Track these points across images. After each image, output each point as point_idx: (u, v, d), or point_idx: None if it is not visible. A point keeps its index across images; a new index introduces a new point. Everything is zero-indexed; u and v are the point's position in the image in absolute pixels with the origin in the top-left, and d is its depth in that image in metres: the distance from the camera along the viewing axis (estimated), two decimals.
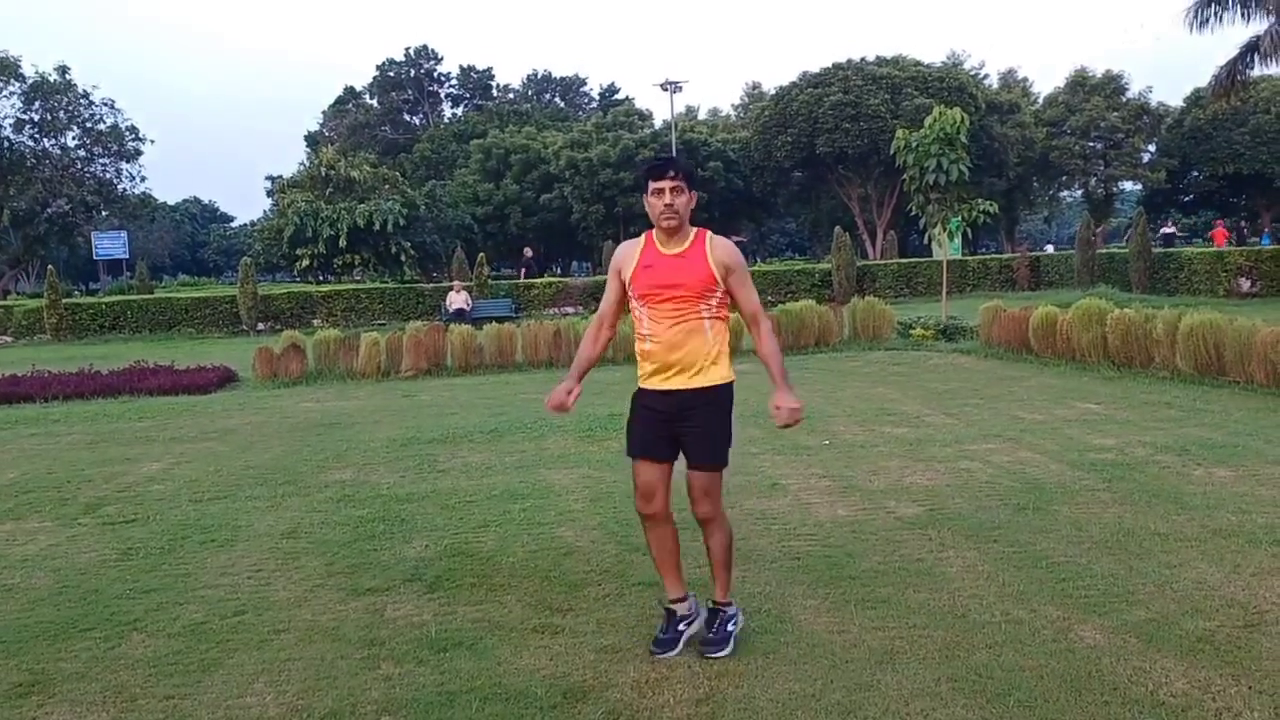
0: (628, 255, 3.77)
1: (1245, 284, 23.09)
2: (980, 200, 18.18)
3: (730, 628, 3.79)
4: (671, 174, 3.63)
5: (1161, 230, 43.48)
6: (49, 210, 49.86)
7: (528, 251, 35.21)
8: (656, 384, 3.73)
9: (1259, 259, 23.81)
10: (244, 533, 5.79)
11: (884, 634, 3.85)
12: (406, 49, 71.69)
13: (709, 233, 3.76)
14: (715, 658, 3.67)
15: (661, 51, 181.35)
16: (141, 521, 6.16)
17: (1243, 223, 54.66)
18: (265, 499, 6.65)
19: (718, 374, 3.70)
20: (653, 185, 3.65)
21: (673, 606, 3.83)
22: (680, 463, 3.79)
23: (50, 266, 28.66)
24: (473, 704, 3.40)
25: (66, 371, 14.69)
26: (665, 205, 3.62)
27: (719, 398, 3.72)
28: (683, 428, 3.70)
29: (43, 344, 25.52)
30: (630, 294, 3.75)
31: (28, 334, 26.69)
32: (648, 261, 3.69)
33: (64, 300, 27.59)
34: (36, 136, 50.77)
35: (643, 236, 3.79)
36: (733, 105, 72.59)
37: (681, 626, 3.80)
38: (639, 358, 3.80)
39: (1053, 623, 3.89)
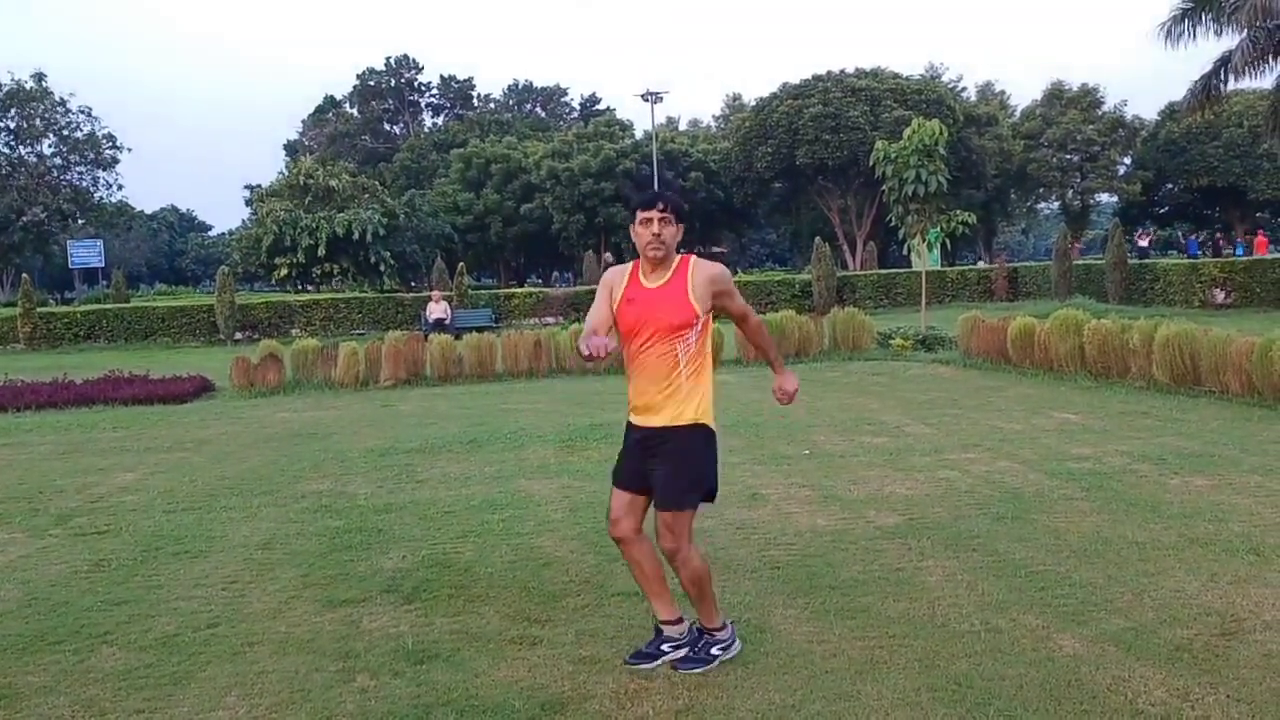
0: (617, 281, 3.75)
1: (1220, 295, 23.35)
2: (959, 211, 18.30)
3: (715, 651, 3.71)
4: (661, 206, 3.64)
5: (1136, 243, 43.88)
6: (24, 218, 49.45)
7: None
8: (634, 418, 3.75)
9: (1233, 270, 24.09)
10: (218, 544, 5.72)
11: (864, 643, 3.83)
12: (387, 58, 71.61)
13: (692, 259, 3.74)
14: (687, 672, 3.61)
15: (643, 62, 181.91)
16: (114, 533, 6.07)
17: (1218, 235, 55.23)
18: (240, 510, 6.58)
19: (689, 414, 3.62)
20: (641, 215, 3.65)
21: (663, 626, 3.78)
22: None
23: (25, 275, 28.36)
24: (449, 716, 3.36)
25: (40, 381, 14.52)
26: (653, 235, 3.62)
27: (688, 440, 3.63)
28: (651, 464, 3.66)
29: (16, 353, 25.24)
30: (615, 326, 3.73)
31: (1, 343, 26.39)
32: (630, 295, 3.68)
33: (38, 309, 27.33)
34: (12, 144, 50.45)
35: (631, 265, 3.78)
36: (713, 116, 72.94)
37: (665, 647, 3.74)
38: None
39: (1032, 631, 3.89)
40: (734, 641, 3.79)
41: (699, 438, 3.66)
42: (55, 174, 51.94)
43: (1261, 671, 3.45)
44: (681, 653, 3.73)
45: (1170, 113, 49.51)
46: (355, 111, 71.57)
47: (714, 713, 3.32)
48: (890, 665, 3.62)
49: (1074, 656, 3.63)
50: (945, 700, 3.32)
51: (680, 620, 3.79)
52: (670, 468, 3.61)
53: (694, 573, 3.67)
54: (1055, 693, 3.34)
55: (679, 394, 3.64)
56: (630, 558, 3.76)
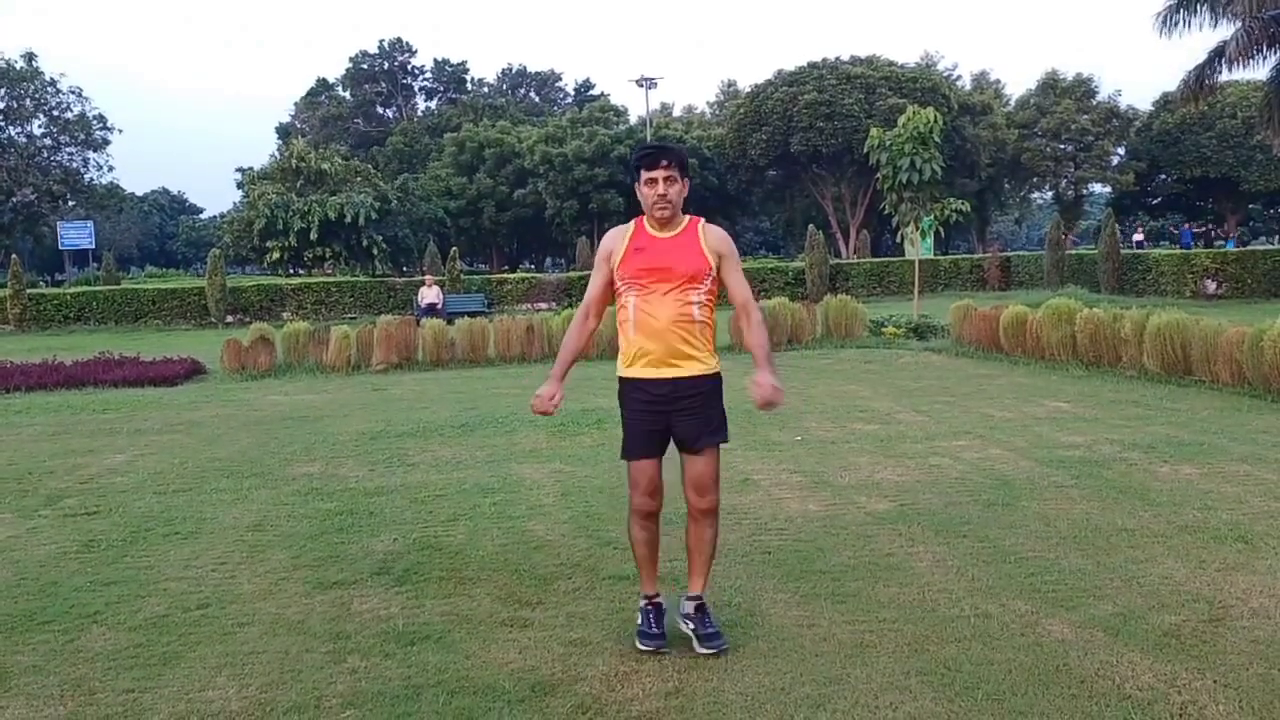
0: (618, 241, 3.68)
1: (1211, 285, 23.42)
2: (952, 200, 18.29)
3: (714, 618, 3.76)
4: (665, 163, 3.56)
5: (1133, 237, 43.92)
6: (14, 199, 49.14)
7: None
8: (647, 372, 3.62)
9: (1225, 261, 24.15)
10: (209, 525, 5.71)
11: (854, 628, 3.84)
12: (380, 41, 71.32)
13: (702, 220, 3.71)
14: (721, 650, 3.62)
15: (637, 48, 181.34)
16: (104, 514, 6.05)
17: (1210, 226, 55.34)
18: (231, 492, 6.57)
19: (705, 365, 3.65)
20: (645, 174, 3.57)
21: (660, 601, 3.80)
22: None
23: (15, 256, 28.21)
24: (439, 698, 3.36)
25: (29, 362, 14.45)
26: (659, 195, 3.55)
27: (712, 389, 3.69)
28: (677, 416, 3.63)
29: (6, 334, 25.12)
30: (618, 278, 3.65)
31: None
32: (639, 244, 3.62)
33: (28, 290, 27.19)
34: (1, 124, 50.00)
35: (632, 223, 3.71)
36: (708, 103, 72.69)
37: (666, 620, 3.78)
38: (624, 343, 3.69)
39: (1021, 617, 3.90)
40: None
41: (719, 387, 3.74)
42: (45, 155, 51.55)
43: (1248, 657, 3.47)
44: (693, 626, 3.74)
45: (1164, 103, 49.50)
46: (348, 94, 71.09)
47: (703, 695, 3.33)
48: (879, 649, 3.63)
49: (1062, 642, 3.65)
50: (934, 684, 3.33)
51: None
52: (700, 418, 3.65)
53: (718, 526, 3.81)
54: (1043, 677, 3.35)
55: (699, 344, 3.63)
56: (651, 532, 3.76)
